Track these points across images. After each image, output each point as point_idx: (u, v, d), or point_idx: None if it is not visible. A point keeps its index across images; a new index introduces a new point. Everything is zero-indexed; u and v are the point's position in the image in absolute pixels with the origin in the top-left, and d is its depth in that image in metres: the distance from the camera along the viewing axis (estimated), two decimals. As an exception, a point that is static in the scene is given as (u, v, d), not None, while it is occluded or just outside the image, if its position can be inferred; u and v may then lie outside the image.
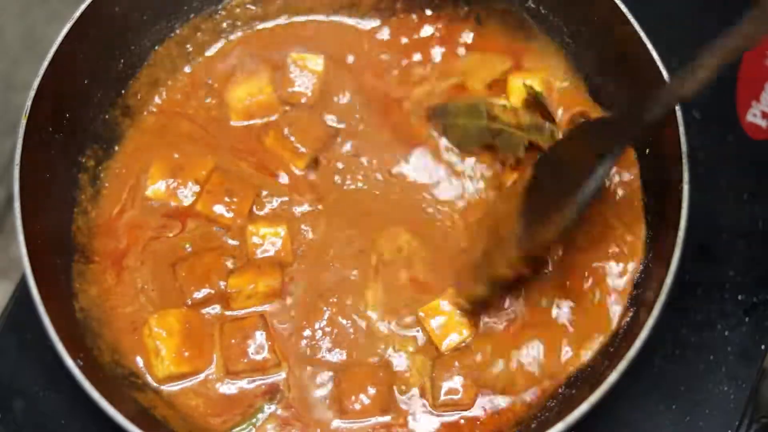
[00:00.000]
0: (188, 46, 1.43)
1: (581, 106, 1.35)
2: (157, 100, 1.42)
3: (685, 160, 1.18)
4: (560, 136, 1.30)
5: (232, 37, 1.45)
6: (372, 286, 1.28)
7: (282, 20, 1.47)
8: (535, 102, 1.33)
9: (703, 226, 1.35)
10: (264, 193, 1.34)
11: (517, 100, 1.36)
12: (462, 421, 1.21)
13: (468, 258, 1.26)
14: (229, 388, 1.23)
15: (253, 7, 1.45)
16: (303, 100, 1.40)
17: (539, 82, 1.38)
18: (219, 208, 1.32)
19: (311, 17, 1.47)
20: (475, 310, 1.24)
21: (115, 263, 1.30)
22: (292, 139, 1.35)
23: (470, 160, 1.34)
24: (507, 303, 1.25)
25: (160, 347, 1.21)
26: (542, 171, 1.20)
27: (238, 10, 1.45)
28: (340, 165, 1.36)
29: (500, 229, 1.21)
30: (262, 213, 1.32)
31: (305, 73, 1.40)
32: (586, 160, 1.11)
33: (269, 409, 1.21)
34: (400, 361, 1.23)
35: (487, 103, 1.35)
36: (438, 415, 1.21)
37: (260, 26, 1.47)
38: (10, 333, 1.34)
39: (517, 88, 1.36)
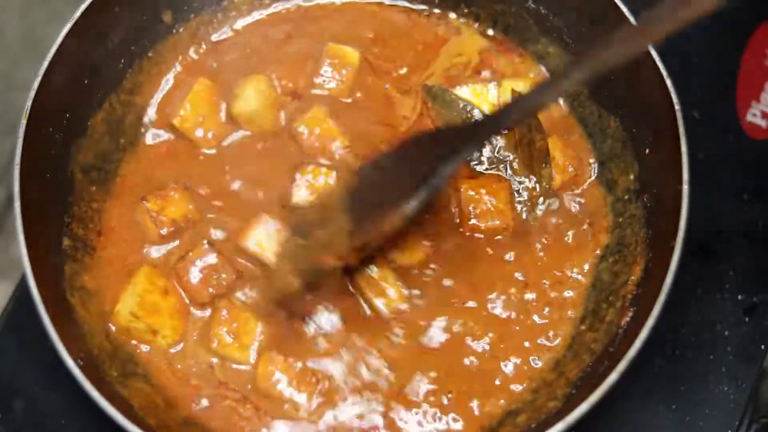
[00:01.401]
0: (190, 44, 1.44)
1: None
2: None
3: (685, 160, 1.18)
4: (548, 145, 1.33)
5: (234, 29, 1.46)
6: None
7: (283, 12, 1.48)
8: None
9: (703, 226, 1.35)
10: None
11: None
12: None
13: None
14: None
15: (252, 10, 1.46)
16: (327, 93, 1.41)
17: (530, 85, 1.38)
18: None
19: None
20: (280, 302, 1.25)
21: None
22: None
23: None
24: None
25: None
26: (370, 173, 1.23)
27: (234, 12, 1.45)
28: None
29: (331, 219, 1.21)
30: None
31: (339, 64, 1.40)
32: (421, 168, 1.15)
33: None
34: None
35: (480, 116, 1.36)
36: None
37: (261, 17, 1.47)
38: (10, 333, 1.34)
39: (509, 92, 1.37)
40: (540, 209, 1.33)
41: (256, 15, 1.47)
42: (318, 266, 1.21)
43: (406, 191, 1.15)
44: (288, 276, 1.22)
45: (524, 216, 1.33)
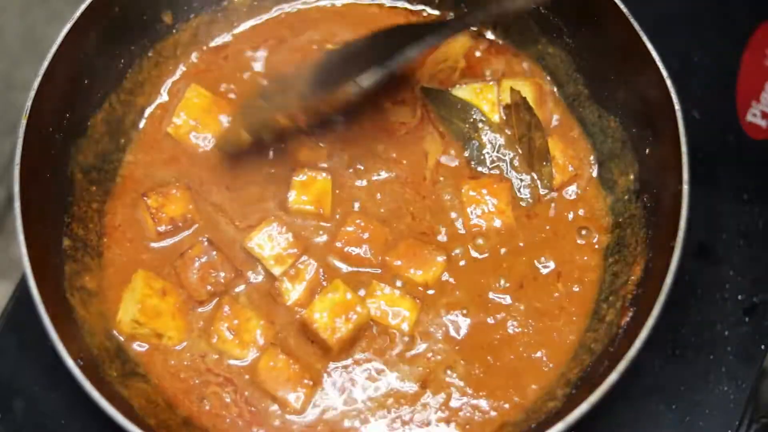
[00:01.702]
0: (190, 44, 1.44)
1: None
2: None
3: (685, 160, 1.18)
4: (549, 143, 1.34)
5: (233, 33, 1.46)
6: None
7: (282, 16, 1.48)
8: (523, 107, 1.34)
9: (703, 226, 1.35)
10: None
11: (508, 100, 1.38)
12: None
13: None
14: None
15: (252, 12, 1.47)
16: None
17: (530, 85, 1.38)
18: None
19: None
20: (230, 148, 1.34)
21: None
22: None
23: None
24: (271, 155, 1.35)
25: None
26: (336, 55, 1.36)
27: (234, 14, 1.46)
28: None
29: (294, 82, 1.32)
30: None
31: None
32: (382, 54, 1.24)
33: None
34: None
35: (480, 115, 1.37)
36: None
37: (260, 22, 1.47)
38: (10, 333, 1.34)
39: (509, 91, 1.37)
40: (540, 209, 1.33)
41: (256, 18, 1.47)
42: (270, 123, 1.31)
43: (362, 67, 1.23)
44: (241, 131, 1.32)
45: (525, 215, 1.33)
